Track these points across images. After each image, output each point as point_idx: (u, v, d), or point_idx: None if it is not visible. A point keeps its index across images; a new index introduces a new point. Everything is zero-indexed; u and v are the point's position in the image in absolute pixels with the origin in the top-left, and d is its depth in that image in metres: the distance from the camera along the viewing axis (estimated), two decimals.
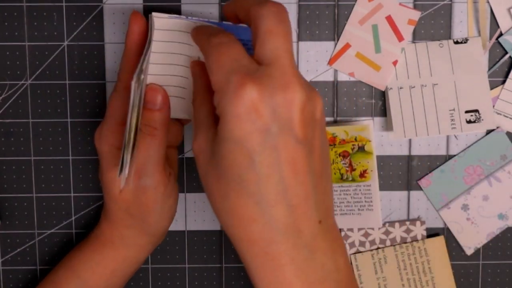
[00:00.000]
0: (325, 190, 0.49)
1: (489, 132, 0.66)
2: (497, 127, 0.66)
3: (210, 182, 0.49)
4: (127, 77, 0.57)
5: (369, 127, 0.65)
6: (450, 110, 0.64)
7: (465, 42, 0.64)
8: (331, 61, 0.65)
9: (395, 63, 0.64)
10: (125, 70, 0.58)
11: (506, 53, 0.65)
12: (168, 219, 0.61)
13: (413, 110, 0.64)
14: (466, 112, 0.64)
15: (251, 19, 0.48)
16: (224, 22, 0.58)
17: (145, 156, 0.56)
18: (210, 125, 0.50)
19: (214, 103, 0.48)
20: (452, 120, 0.64)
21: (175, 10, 0.64)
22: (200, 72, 0.55)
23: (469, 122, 0.64)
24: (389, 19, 0.64)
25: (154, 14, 0.56)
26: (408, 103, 0.64)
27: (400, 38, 0.64)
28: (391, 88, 0.65)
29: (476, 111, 0.64)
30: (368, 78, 0.65)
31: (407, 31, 0.64)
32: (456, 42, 0.65)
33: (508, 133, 0.66)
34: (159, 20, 0.56)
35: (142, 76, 0.54)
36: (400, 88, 0.64)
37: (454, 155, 0.66)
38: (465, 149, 0.66)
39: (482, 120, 0.64)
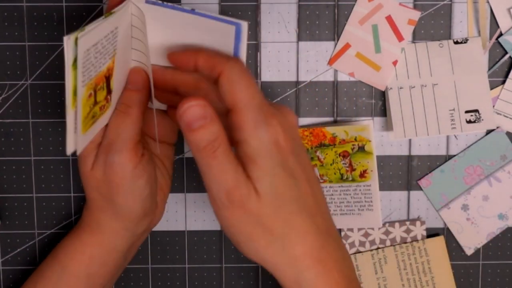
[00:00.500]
0: None
1: (489, 132, 0.66)
2: (497, 127, 0.66)
3: (266, 220, 0.52)
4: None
5: (369, 127, 0.65)
6: (450, 110, 0.64)
7: (465, 42, 0.64)
8: (331, 61, 0.65)
9: (395, 63, 0.64)
10: None
11: (506, 53, 0.65)
12: (139, 202, 0.59)
13: (413, 110, 0.64)
14: (466, 112, 0.64)
15: (218, 74, 0.52)
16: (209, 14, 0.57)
17: (115, 133, 0.56)
18: (246, 179, 0.52)
19: (239, 138, 0.51)
20: (452, 120, 0.64)
21: None
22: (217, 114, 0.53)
23: (469, 122, 0.64)
24: (389, 19, 0.64)
25: None
26: (408, 103, 0.64)
27: (400, 38, 0.64)
28: (391, 88, 0.65)
29: (476, 111, 0.64)
30: (368, 78, 0.65)
31: (407, 31, 0.64)
32: (456, 42, 0.65)
33: (508, 133, 0.66)
34: (137, 4, 0.56)
35: (81, 34, 0.51)
36: (400, 88, 0.64)
37: (454, 155, 0.66)
38: (465, 149, 0.66)
39: (482, 120, 0.64)
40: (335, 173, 0.65)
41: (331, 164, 0.65)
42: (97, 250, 0.61)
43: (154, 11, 0.56)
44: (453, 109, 0.64)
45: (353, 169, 0.65)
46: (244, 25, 0.54)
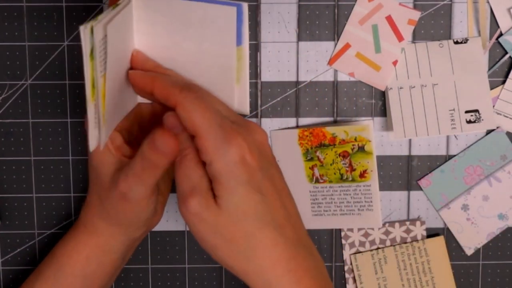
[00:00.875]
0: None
1: (489, 132, 0.66)
2: (497, 127, 0.66)
3: (225, 231, 0.53)
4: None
5: (369, 127, 0.65)
6: (450, 110, 0.64)
7: (465, 42, 0.64)
8: (331, 61, 0.65)
9: (395, 63, 0.64)
10: None
11: (506, 53, 0.65)
12: (143, 219, 0.59)
13: (413, 110, 0.64)
14: (466, 112, 0.64)
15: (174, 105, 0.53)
16: None
17: (138, 179, 0.55)
18: (206, 184, 0.53)
19: (206, 161, 0.52)
20: (452, 120, 0.64)
21: None
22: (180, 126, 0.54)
23: (469, 122, 0.64)
24: (389, 19, 0.64)
25: None
26: (408, 103, 0.64)
27: (400, 38, 0.64)
28: (391, 88, 0.65)
29: (476, 111, 0.64)
30: (368, 78, 0.65)
31: (407, 31, 0.64)
32: (456, 42, 0.65)
33: (508, 133, 0.66)
34: None
35: (95, 23, 0.50)
36: (400, 88, 0.64)
37: (454, 155, 0.66)
38: (465, 149, 0.66)
39: (482, 120, 0.64)
40: (335, 173, 0.65)
41: (331, 164, 0.65)
42: (93, 251, 0.60)
43: (154, 2, 0.56)
44: (453, 109, 0.64)
45: (353, 169, 0.65)
46: (245, 6, 0.54)
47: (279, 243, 0.53)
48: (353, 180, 0.65)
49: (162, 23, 0.57)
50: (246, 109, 0.58)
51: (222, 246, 0.53)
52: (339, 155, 0.65)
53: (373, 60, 0.64)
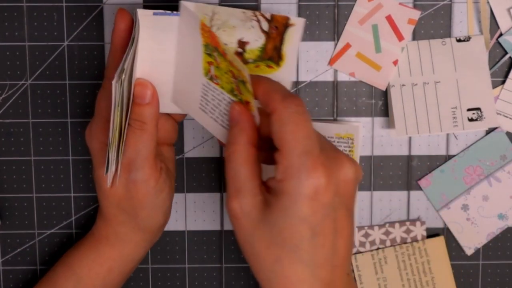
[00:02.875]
0: (353, 245, 0.55)
1: (489, 132, 0.66)
2: (497, 127, 0.66)
3: (258, 246, 0.51)
4: (114, 75, 0.57)
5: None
6: (452, 108, 0.64)
7: (467, 40, 0.64)
8: (331, 61, 0.65)
9: (395, 62, 0.64)
10: (112, 67, 0.57)
11: (506, 53, 0.65)
12: (162, 215, 0.61)
13: (415, 108, 0.64)
14: (468, 110, 0.64)
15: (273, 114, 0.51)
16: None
17: (135, 150, 0.57)
18: (255, 190, 0.52)
19: (276, 176, 0.50)
20: (454, 118, 0.64)
21: (175, 10, 0.64)
22: (246, 121, 0.53)
23: (471, 120, 0.64)
24: (389, 18, 0.64)
25: (139, 11, 0.56)
26: (410, 101, 0.64)
27: (400, 37, 0.64)
28: (393, 86, 0.65)
29: (478, 109, 0.64)
30: (368, 78, 0.65)
31: (407, 31, 0.64)
32: (459, 40, 0.65)
33: (508, 133, 0.66)
34: (145, 17, 0.56)
35: (124, 76, 0.54)
36: (402, 85, 0.64)
37: (454, 155, 0.66)
38: (465, 149, 0.66)
39: (484, 118, 0.64)
40: (227, 83, 0.60)
41: (225, 72, 0.57)
42: (116, 262, 0.61)
43: (163, 21, 0.56)
44: (455, 107, 0.64)
45: (240, 93, 0.60)
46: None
47: (306, 281, 0.51)
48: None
49: (172, 43, 0.57)
50: None
51: (251, 256, 0.52)
52: (230, 71, 0.58)
53: (373, 60, 0.64)
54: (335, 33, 0.65)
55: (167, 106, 0.60)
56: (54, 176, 0.66)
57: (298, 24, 0.57)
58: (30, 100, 0.65)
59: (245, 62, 0.59)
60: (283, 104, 0.50)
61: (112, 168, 0.56)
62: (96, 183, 0.60)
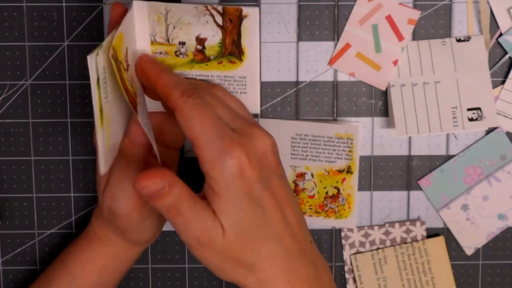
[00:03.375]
0: (302, 212, 0.56)
1: (488, 132, 0.66)
2: (497, 127, 0.66)
3: (230, 258, 0.53)
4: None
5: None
6: (452, 108, 0.64)
7: (467, 40, 0.64)
8: (331, 62, 0.65)
9: (395, 62, 0.64)
10: None
11: (506, 53, 0.65)
12: (150, 234, 0.61)
13: (415, 108, 0.64)
14: (468, 110, 0.64)
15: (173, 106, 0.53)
16: None
17: (118, 186, 0.56)
18: (212, 223, 0.52)
19: (202, 169, 0.52)
20: (454, 117, 0.64)
21: None
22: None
23: (471, 119, 0.64)
24: (389, 18, 0.64)
25: (135, 1, 0.57)
26: (410, 101, 0.64)
27: (400, 37, 0.64)
28: (393, 86, 0.65)
29: (478, 109, 0.64)
30: (368, 78, 0.65)
31: (407, 31, 0.64)
32: (459, 40, 0.65)
33: (508, 133, 0.66)
34: (140, 5, 0.57)
35: (98, 51, 0.52)
36: (402, 85, 0.64)
37: (454, 155, 0.66)
38: (464, 149, 0.66)
39: (484, 118, 0.64)
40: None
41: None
42: (109, 262, 0.61)
43: (159, 6, 0.57)
44: (455, 107, 0.64)
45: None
46: None
47: (279, 255, 0.53)
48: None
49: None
50: (256, 108, 0.59)
51: (228, 267, 0.53)
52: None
53: (373, 60, 0.64)
54: (335, 33, 0.65)
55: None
56: (54, 176, 0.66)
57: (252, 14, 0.57)
58: (30, 100, 0.65)
59: (208, 59, 0.59)
60: (182, 100, 0.51)
61: (107, 155, 0.55)
62: (96, 183, 0.60)
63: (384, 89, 0.65)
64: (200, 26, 0.58)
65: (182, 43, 0.59)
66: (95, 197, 0.67)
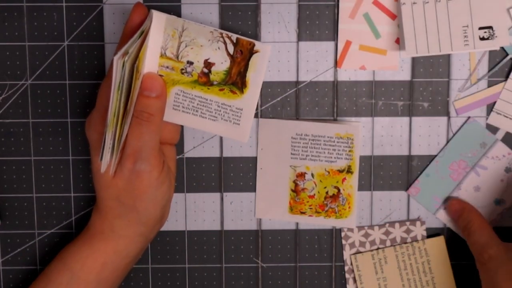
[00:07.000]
0: None
1: (462, 125, 0.66)
2: (469, 117, 0.65)
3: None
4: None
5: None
6: (463, 27, 0.62)
7: None
8: (338, 64, 0.65)
9: (397, 41, 0.64)
10: None
11: (507, 53, 0.65)
12: (160, 209, 0.61)
13: (426, 26, 0.62)
14: (480, 28, 0.62)
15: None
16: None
17: (141, 141, 0.58)
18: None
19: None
20: (465, 36, 0.62)
21: (175, 9, 0.64)
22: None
23: (482, 39, 0.63)
24: (376, 3, 0.64)
25: (154, 12, 0.58)
26: (421, 19, 0.62)
27: (393, 16, 0.64)
28: (404, 4, 0.63)
29: (490, 27, 0.62)
30: (379, 65, 0.65)
31: (397, 7, 0.64)
32: None
33: (507, 134, 0.66)
34: (159, 17, 0.58)
35: (126, 58, 0.54)
36: (414, 3, 0.63)
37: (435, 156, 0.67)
38: (443, 148, 0.66)
39: (496, 37, 0.62)
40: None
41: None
42: (110, 257, 0.61)
43: (177, 22, 0.59)
44: (467, 26, 0.62)
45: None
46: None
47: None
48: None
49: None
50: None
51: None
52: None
53: (376, 46, 0.64)
54: (335, 33, 0.65)
55: (168, 114, 0.61)
56: (54, 176, 0.66)
57: (263, 51, 0.59)
58: (30, 100, 0.65)
59: (210, 84, 0.61)
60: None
61: (107, 154, 0.57)
62: (94, 175, 0.60)
63: (396, 69, 0.65)
64: (211, 50, 0.60)
65: (190, 63, 0.60)
66: (95, 197, 0.67)
